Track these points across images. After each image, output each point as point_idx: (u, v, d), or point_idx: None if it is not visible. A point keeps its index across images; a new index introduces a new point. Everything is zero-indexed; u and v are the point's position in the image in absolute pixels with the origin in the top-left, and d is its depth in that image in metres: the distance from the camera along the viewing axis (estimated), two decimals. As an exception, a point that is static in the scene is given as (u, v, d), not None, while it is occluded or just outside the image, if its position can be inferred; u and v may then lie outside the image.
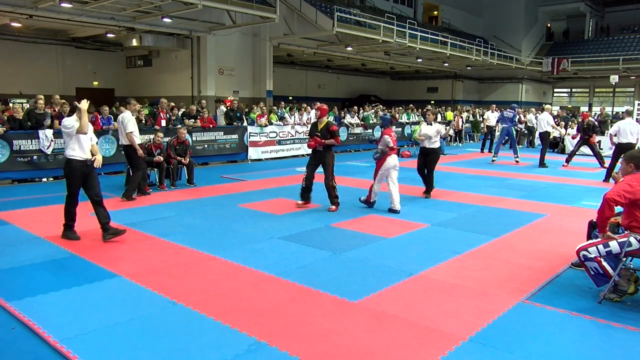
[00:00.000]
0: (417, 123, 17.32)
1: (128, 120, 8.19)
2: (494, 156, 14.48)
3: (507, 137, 14.66)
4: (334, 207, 7.70)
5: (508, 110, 15.07)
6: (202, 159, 12.90)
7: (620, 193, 4.06)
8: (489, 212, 7.73)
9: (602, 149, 16.60)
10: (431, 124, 8.81)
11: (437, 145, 8.73)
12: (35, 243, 5.79)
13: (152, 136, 10.17)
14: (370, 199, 7.78)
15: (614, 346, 3.52)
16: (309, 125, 8.48)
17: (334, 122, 9.26)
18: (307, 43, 21.54)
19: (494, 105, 18.93)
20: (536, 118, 19.98)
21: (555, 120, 19.64)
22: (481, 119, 21.41)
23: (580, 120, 15.85)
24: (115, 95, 21.73)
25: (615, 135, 10.84)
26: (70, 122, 5.85)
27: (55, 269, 4.93)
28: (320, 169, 7.87)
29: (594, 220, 5.08)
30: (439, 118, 20.72)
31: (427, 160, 8.74)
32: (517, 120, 15.09)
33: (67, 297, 4.22)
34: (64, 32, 19.02)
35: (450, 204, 8.29)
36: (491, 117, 17.62)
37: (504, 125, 14.41)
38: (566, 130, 18.29)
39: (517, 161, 14.15)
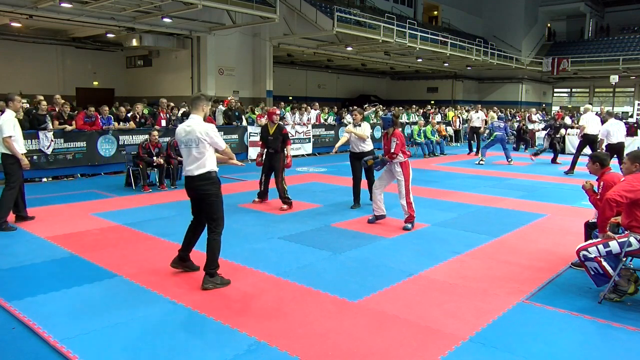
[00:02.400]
0: (416, 123, 17.28)
1: (4, 121, 6.31)
2: (480, 159, 14.16)
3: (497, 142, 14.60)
4: (285, 207, 7.76)
5: (497, 120, 15.05)
6: (202, 159, 12.87)
7: (622, 193, 4.06)
8: (489, 212, 7.73)
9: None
10: (359, 125, 7.72)
11: (369, 147, 7.76)
12: (35, 243, 5.78)
13: (146, 136, 10.22)
14: (414, 216, 6.63)
15: (614, 346, 3.52)
16: (260, 129, 8.42)
17: (284, 125, 9.15)
18: (307, 43, 21.54)
19: (479, 105, 18.47)
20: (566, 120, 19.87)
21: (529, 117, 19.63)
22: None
23: (555, 118, 15.95)
24: (115, 95, 21.75)
25: (606, 137, 10.91)
26: (216, 133, 4.49)
27: (55, 269, 4.93)
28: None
29: (590, 220, 5.10)
30: (439, 117, 20.73)
31: (356, 165, 7.83)
32: (514, 125, 14.92)
33: (67, 297, 4.22)
34: (64, 32, 19.02)
35: (450, 204, 8.30)
36: (474, 117, 16.97)
37: (497, 133, 14.16)
38: (566, 130, 18.26)
39: (510, 162, 14.03)
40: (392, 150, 6.51)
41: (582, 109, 12.30)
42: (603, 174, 4.87)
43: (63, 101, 11.22)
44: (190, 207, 4.73)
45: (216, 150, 4.57)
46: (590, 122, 11.77)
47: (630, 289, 4.25)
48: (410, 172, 6.69)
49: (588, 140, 11.86)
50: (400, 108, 21.70)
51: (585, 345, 3.53)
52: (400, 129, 6.85)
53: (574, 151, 17.10)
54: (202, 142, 4.37)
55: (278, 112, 8.23)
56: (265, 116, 14.69)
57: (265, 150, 8.01)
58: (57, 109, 10.80)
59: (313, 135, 16.03)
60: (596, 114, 12.88)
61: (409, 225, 6.61)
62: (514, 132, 20.26)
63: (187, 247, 4.74)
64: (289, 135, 8.01)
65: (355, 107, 9.44)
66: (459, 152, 17.21)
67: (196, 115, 4.51)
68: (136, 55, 21.51)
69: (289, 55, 24.19)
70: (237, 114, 14.25)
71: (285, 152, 7.87)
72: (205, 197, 4.44)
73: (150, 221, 6.92)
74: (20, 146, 6.47)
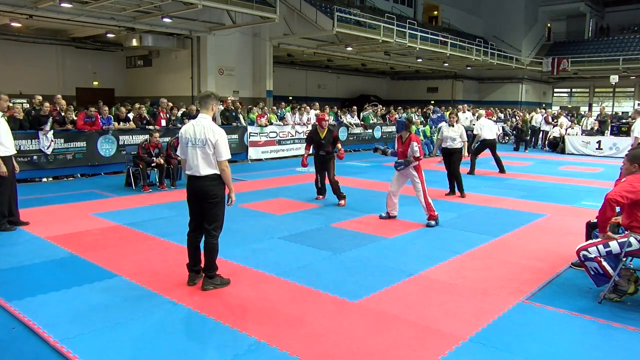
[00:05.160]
0: (414, 123, 17.29)
1: None
2: (429, 155, 14.44)
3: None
4: (342, 201, 8.10)
5: (433, 114, 15.36)
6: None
7: (622, 194, 4.05)
8: (489, 212, 7.74)
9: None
10: (453, 126, 8.89)
11: (459, 145, 8.87)
12: (35, 243, 5.78)
13: (146, 136, 10.23)
14: (435, 214, 6.83)
15: (614, 346, 3.51)
16: (309, 131, 8.81)
17: (333, 128, 9.38)
18: (307, 43, 21.52)
19: (465, 105, 18.22)
20: (531, 119, 19.91)
21: (546, 118, 19.64)
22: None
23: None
24: (115, 95, 21.74)
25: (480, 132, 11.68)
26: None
27: (55, 269, 4.93)
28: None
29: (592, 221, 5.09)
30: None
31: (451, 160, 8.91)
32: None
33: (67, 297, 4.22)
34: (64, 32, 19.01)
35: (450, 204, 8.30)
36: (461, 118, 16.54)
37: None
38: (566, 131, 18.29)
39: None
40: (418, 155, 6.78)
41: (477, 114, 12.69)
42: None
43: (65, 104, 11.20)
44: (186, 205, 4.53)
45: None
46: (484, 128, 11.93)
47: (630, 289, 4.25)
48: (424, 174, 6.98)
49: (485, 145, 12.03)
50: (400, 108, 21.69)
51: (585, 345, 3.53)
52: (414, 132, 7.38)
53: (573, 151, 17.21)
54: (210, 144, 4.27)
55: (327, 117, 8.69)
56: (264, 117, 14.78)
57: (316, 152, 8.39)
58: (57, 109, 10.79)
59: (313, 135, 16.01)
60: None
61: (432, 222, 6.79)
62: (513, 131, 20.27)
63: (198, 261, 4.55)
64: (339, 137, 8.67)
65: (455, 110, 10.31)
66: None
67: (205, 115, 4.41)
68: (136, 55, 21.48)
69: (289, 55, 24.18)
70: (234, 114, 14.25)
71: (337, 148, 8.25)
72: (210, 198, 4.34)
73: (150, 221, 6.92)
74: (7, 148, 6.20)
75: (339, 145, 8.29)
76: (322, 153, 8.26)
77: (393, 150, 7.24)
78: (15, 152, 6.64)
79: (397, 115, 19.07)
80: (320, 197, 8.58)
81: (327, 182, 8.33)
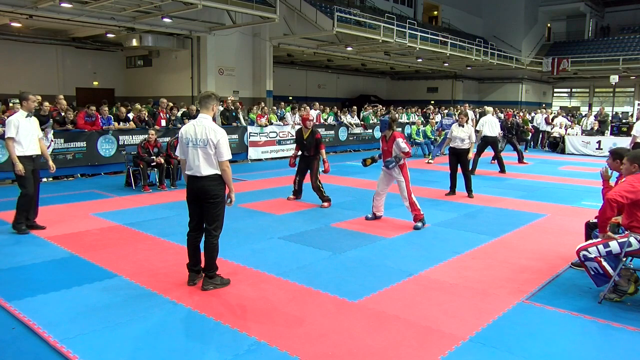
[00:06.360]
0: (415, 123, 17.30)
1: (7, 122, 6.08)
2: (431, 158, 14.60)
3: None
4: (326, 204, 8.05)
5: (446, 117, 15.63)
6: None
7: (622, 194, 4.06)
8: (489, 212, 7.74)
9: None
10: (463, 126, 8.86)
11: (467, 146, 8.80)
12: (35, 243, 5.79)
13: (145, 136, 10.23)
14: (421, 214, 6.72)
15: (614, 346, 3.52)
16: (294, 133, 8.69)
17: (317, 129, 9.20)
18: (307, 43, 21.53)
19: (467, 105, 18.32)
20: (532, 119, 19.92)
21: (547, 119, 19.68)
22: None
23: (504, 119, 16.14)
24: (115, 95, 21.74)
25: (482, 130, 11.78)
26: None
27: (55, 269, 4.93)
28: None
29: (591, 221, 5.09)
30: (439, 117, 20.70)
31: (460, 161, 8.87)
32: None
33: (67, 297, 4.22)
34: (64, 32, 19.01)
35: (450, 204, 8.30)
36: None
37: (446, 130, 14.73)
38: (566, 131, 18.29)
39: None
40: (406, 150, 6.65)
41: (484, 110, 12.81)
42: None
43: (66, 105, 11.20)
44: (186, 205, 4.52)
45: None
46: (486, 125, 11.92)
47: (630, 289, 4.25)
48: (409, 173, 6.83)
49: (487, 142, 12.03)
50: (400, 108, 21.69)
51: (585, 345, 3.53)
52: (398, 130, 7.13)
53: (573, 151, 17.22)
54: (211, 144, 4.28)
55: (311, 118, 8.62)
56: (264, 117, 14.78)
57: (300, 153, 8.34)
58: (57, 109, 10.79)
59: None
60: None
61: (420, 224, 6.65)
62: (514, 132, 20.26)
63: (198, 261, 4.55)
64: (322, 139, 8.41)
65: (461, 109, 10.16)
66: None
67: (206, 115, 4.41)
68: (136, 55, 21.49)
69: (289, 55, 24.18)
70: (234, 114, 14.26)
71: (321, 156, 8.12)
72: (211, 198, 4.34)
73: (150, 221, 6.92)
74: (24, 148, 6.14)
75: (324, 155, 8.07)
76: (306, 154, 8.21)
77: (380, 154, 7.06)
78: (38, 152, 6.45)
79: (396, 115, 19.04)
80: (292, 197, 8.48)
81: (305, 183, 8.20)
